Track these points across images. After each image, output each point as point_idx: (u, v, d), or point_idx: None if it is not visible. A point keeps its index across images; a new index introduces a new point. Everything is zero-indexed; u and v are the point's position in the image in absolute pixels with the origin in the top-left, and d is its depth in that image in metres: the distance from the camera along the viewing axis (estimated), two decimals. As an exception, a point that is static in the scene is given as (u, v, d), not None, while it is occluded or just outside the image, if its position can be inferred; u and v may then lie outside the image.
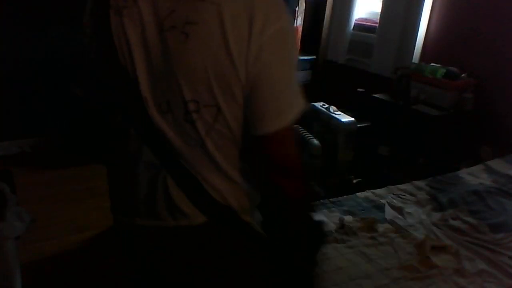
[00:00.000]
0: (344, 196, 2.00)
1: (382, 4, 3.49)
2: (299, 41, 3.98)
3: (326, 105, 3.22)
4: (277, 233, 0.92)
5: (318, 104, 3.27)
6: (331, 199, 1.96)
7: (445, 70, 2.85)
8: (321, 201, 1.95)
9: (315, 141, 3.02)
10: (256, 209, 0.95)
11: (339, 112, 3.11)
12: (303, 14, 3.97)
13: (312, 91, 4.20)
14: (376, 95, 3.16)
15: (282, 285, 0.95)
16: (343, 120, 3.00)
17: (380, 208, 1.91)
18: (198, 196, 0.86)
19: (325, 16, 4.05)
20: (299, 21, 3.95)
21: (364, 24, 3.86)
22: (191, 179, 0.85)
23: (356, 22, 3.88)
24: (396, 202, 1.96)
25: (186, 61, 0.76)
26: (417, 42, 3.24)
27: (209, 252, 0.90)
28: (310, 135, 3.09)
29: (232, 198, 0.89)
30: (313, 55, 4.20)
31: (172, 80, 0.78)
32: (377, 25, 3.59)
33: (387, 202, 1.95)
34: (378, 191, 2.07)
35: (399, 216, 1.85)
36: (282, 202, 0.86)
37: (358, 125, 3.05)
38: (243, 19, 0.74)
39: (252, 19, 0.74)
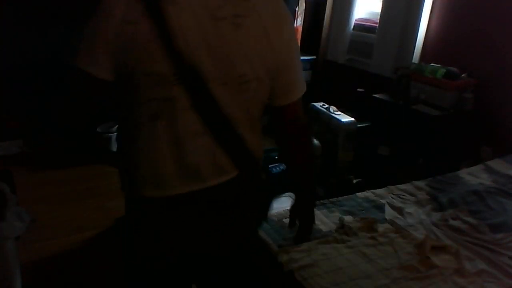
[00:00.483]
0: (344, 196, 2.00)
1: (382, 4, 3.49)
2: (299, 41, 3.98)
3: (326, 105, 3.22)
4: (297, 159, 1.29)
5: (318, 104, 3.27)
6: (331, 199, 1.96)
7: (445, 70, 2.85)
8: (321, 201, 1.95)
9: (315, 141, 3.02)
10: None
11: (339, 112, 3.11)
12: (303, 14, 3.97)
13: (312, 91, 4.21)
14: (376, 95, 3.15)
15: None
16: (343, 120, 3.00)
17: (380, 208, 1.91)
18: (239, 153, 1.08)
19: (325, 16, 4.05)
20: (299, 21, 3.96)
21: (364, 24, 3.86)
22: (236, 139, 1.07)
23: (356, 22, 3.88)
24: (396, 202, 1.96)
25: (238, 44, 0.99)
26: (417, 42, 3.24)
27: (235, 198, 1.12)
28: (310, 135, 3.10)
29: (260, 153, 1.17)
30: (313, 55, 4.20)
31: (227, 58, 0.99)
32: (377, 25, 3.59)
33: (387, 202, 1.95)
34: (378, 191, 2.07)
35: (399, 216, 1.85)
36: (305, 138, 1.28)
37: (358, 125, 3.05)
38: (275, 17, 1.05)
39: (280, 16, 1.07)
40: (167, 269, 1.12)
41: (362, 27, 3.86)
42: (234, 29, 0.98)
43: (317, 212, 1.83)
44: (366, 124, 3.19)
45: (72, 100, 1.10)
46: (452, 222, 1.81)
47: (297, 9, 3.92)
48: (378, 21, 3.57)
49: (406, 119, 2.92)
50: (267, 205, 1.31)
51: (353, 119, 3.03)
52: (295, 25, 3.95)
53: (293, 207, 1.39)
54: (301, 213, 1.37)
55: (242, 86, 1.02)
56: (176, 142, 1.02)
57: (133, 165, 1.07)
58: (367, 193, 2.04)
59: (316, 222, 1.76)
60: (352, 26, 3.89)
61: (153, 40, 0.94)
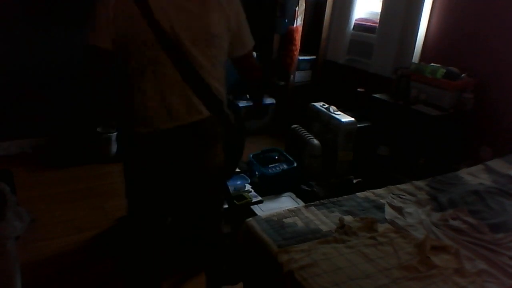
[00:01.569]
0: (344, 196, 2.00)
1: (382, 4, 3.49)
2: (299, 41, 3.98)
3: (326, 105, 3.22)
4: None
5: (318, 104, 3.27)
6: (331, 199, 1.96)
7: (445, 70, 2.85)
8: (321, 201, 1.95)
9: (315, 141, 3.02)
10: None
11: (339, 112, 3.11)
12: (303, 14, 3.97)
13: (312, 91, 4.22)
14: (376, 95, 3.16)
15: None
16: (343, 120, 3.00)
17: (380, 208, 1.91)
18: (207, 97, 1.45)
19: (325, 16, 4.05)
20: (299, 21, 3.96)
21: (364, 24, 3.86)
22: (205, 86, 1.43)
23: (356, 22, 3.88)
24: (396, 202, 1.96)
25: (205, 15, 1.38)
26: (417, 42, 3.25)
27: (206, 134, 1.50)
28: (310, 135, 3.10)
29: (223, 97, 1.52)
30: (313, 55, 4.21)
31: (195, 25, 1.37)
32: (377, 25, 3.59)
33: (387, 202, 1.95)
34: (378, 191, 2.07)
35: (399, 216, 1.85)
36: (257, 81, 1.79)
37: (358, 125, 3.05)
38: None
39: None
40: (154, 179, 1.52)
41: (362, 27, 3.87)
42: (201, 4, 1.38)
43: (317, 212, 1.84)
44: (366, 124, 3.19)
45: (86, 70, 1.44)
46: (452, 222, 1.81)
47: (297, 9, 3.92)
48: (378, 21, 3.57)
49: (406, 119, 2.92)
50: (240, 142, 1.72)
51: (353, 119, 3.03)
52: (295, 25, 3.95)
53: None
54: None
55: (208, 45, 1.41)
56: (160, 90, 1.39)
57: (127, 108, 1.44)
58: (367, 193, 2.04)
59: (316, 222, 1.77)
60: (352, 26, 3.89)
61: (138, 15, 1.30)
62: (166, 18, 1.33)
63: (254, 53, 1.74)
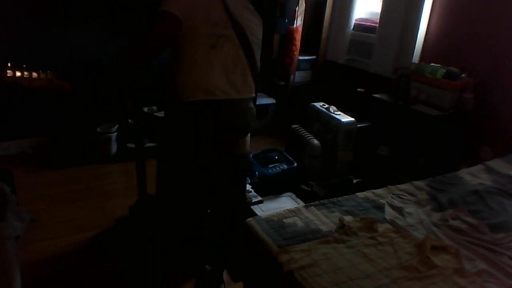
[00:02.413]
0: (344, 196, 2.00)
1: (382, 4, 3.49)
2: (299, 41, 3.98)
3: (326, 105, 3.22)
4: None
5: (318, 104, 3.27)
6: (331, 199, 1.96)
7: (445, 70, 2.85)
8: (321, 201, 1.95)
9: (315, 141, 3.02)
10: None
11: (339, 112, 3.11)
12: (303, 14, 3.97)
13: (312, 91, 4.22)
14: (376, 95, 3.16)
15: None
16: (343, 120, 3.00)
17: (380, 208, 1.91)
18: (256, 77, 1.70)
19: (325, 16, 4.05)
20: (299, 21, 3.96)
21: (364, 24, 3.86)
22: (256, 68, 1.71)
23: (356, 22, 3.88)
24: (396, 202, 1.96)
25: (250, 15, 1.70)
26: (417, 42, 3.25)
27: (251, 112, 1.73)
28: (310, 135, 3.10)
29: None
30: (313, 55, 4.21)
31: (250, 19, 1.69)
32: (377, 25, 3.59)
33: (387, 202, 1.95)
34: (378, 191, 2.07)
35: (399, 216, 1.85)
36: None
37: (358, 125, 3.05)
38: None
39: None
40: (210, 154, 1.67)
41: (362, 27, 3.87)
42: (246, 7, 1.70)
43: (317, 212, 1.84)
44: (366, 124, 3.19)
45: (151, 35, 1.53)
46: (452, 222, 1.81)
47: (297, 9, 3.92)
48: (378, 21, 3.57)
49: (406, 119, 2.93)
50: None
51: (353, 119, 3.03)
52: (295, 25, 3.95)
53: None
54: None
55: (254, 33, 1.67)
56: (224, 64, 1.59)
57: (190, 78, 1.57)
58: (367, 193, 2.04)
59: (316, 222, 1.77)
60: (352, 26, 3.89)
61: (215, 2, 1.57)
62: (234, 8, 1.60)
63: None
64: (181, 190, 1.70)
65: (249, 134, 1.79)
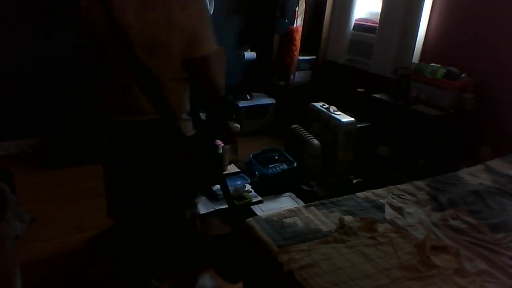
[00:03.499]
0: (344, 196, 2.00)
1: (382, 4, 3.49)
2: (299, 41, 3.98)
3: (326, 105, 3.22)
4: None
5: (318, 104, 3.27)
6: (331, 199, 1.96)
7: (445, 70, 2.85)
8: (321, 201, 1.95)
9: (315, 141, 3.02)
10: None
11: (339, 112, 3.11)
12: (303, 14, 3.97)
13: (312, 91, 4.22)
14: (376, 95, 3.16)
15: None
16: (343, 120, 3.00)
17: (380, 208, 1.91)
18: (157, 100, 1.48)
19: (325, 16, 4.05)
20: (299, 21, 3.96)
21: (364, 24, 3.86)
22: (155, 90, 1.47)
23: (356, 22, 3.88)
24: (396, 202, 1.96)
25: (153, 21, 1.40)
26: (417, 42, 3.25)
27: (154, 133, 1.54)
28: (310, 135, 3.10)
29: (176, 103, 1.53)
30: (313, 55, 4.21)
31: (148, 32, 1.39)
32: (377, 25, 3.59)
33: (387, 202, 1.95)
34: (378, 191, 2.07)
35: (399, 216, 1.85)
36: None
37: (358, 125, 3.05)
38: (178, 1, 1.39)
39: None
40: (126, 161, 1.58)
41: (362, 27, 3.86)
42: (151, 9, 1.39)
43: (317, 212, 1.84)
44: (366, 124, 3.19)
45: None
46: (452, 222, 1.81)
47: (297, 9, 3.92)
48: (378, 21, 3.57)
49: (406, 119, 2.93)
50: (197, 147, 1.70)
51: (353, 119, 3.03)
52: (295, 25, 3.95)
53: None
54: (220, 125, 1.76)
55: (157, 50, 1.40)
56: (116, 87, 1.49)
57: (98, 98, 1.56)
58: (367, 193, 2.04)
59: (316, 222, 1.77)
60: (352, 26, 3.89)
61: (102, 15, 1.39)
62: (122, 23, 1.40)
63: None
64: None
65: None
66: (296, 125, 3.27)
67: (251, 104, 4.03)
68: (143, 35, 1.38)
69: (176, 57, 1.44)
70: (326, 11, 4.04)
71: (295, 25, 3.95)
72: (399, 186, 2.12)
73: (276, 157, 3.02)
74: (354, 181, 2.96)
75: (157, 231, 1.83)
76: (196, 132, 1.66)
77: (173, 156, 1.59)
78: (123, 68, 1.43)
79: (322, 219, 1.79)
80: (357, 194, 2.03)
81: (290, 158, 2.97)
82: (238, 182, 2.71)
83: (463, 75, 2.84)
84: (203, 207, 2.46)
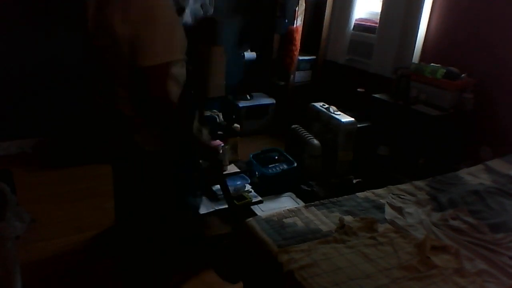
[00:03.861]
0: (344, 196, 2.00)
1: (382, 4, 3.49)
2: (299, 41, 3.98)
3: (326, 105, 3.22)
4: None
5: (318, 104, 3.27)
6: (331, 199, 1.96)
7: (445, 70, 2.85)
8: (321, 201, 1.95)
9: (315, 141, 3.02)
10: None
11: (339, 112, 3.11)
12: (303, 14, 3.97)
13: (312, 91, 4.22)
14: (376, 95, 3.16)
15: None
16: (343, 120, 3.00)
17: (380, 208, 1.91)
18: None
19: (325, 16, 4.05)
20: (299, 21, 3.95)
21: (364, 24, 3.86)
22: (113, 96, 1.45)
23: (356, 22, 3.88)
24: (396, 202, 1.96)
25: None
26: (417, 42, 3.25)
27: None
28: (310, 135, 3.10)
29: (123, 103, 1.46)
30: (313, 55, 4.20)
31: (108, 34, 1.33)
32: (377, 25, 3.59)
33: (387, 202, 1.95)
34: (378, 191, 2.07)
35: (399, 216, 1.85)
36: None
37: (358, 125, 3.05)
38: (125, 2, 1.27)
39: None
40: None
41: (362, 27, 3.86)
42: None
43: (317, 212, 1.84)
44: (366, 124, 3.19)
45: None
46: (452, 222, 1.81)
47: (297, 9, 3.92)
48: (378, 21, 3.57)
49: (406, 119, 2.92)
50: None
51: (353, 119, 3.03)
52: (295, 25, 3.95)
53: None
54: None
55: (107, 54, 1.33)
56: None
57: None
58: (367, 193, 2.04)
59: (316, 222, 1.77)
60: (352, 26, 3.89)
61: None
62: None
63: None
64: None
65: None
66: (296, 125, 3.27)
67: (251, 104, 4.03)
68: (98, 38, 1.32)
69: (124, 65, 1.29)
70: (326, 11, 4.04)
71: (295, 25, 3.95)
72: (399, 186, 2.12)
73: (276, 157, 3.02)
74: (354, 181, 2.96)
75: (157, 231, 1.82)
76: (166, 148, 1.47)
77: (133, 170, 1.54)
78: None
79: (322, 219, 1.79)
80: (357, 194, 2.03)
81: (290, 158, 2.97)
82: (238, 182, 2.71)
83: (463, 75, 2.84)
84: (203, 207, 2.46)
